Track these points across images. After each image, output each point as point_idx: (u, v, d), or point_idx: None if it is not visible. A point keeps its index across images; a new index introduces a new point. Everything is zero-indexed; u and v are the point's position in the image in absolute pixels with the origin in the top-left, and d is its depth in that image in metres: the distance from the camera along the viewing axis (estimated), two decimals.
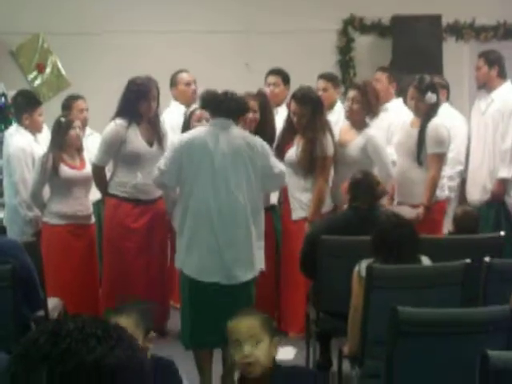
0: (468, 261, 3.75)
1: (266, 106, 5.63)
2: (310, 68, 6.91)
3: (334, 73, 7.19)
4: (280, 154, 5.49)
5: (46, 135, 6.01)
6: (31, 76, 8.08)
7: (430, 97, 5.67)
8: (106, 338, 1.24)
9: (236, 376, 3.08)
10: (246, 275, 4.40)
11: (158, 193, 5.62)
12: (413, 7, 7.84)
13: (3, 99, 7.23)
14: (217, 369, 4.49)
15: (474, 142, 6.63)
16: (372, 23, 8.22)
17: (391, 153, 5.84)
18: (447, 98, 6.80)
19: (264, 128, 5.46)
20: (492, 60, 6.54)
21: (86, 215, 5.73)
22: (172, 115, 6.44)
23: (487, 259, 3.86)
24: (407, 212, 5.24)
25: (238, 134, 4.50)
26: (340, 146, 5.70)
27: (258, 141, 4.54)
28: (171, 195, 5.22)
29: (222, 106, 4.44)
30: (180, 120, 5.90)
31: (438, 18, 7.88)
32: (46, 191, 5.71)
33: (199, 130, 4.61)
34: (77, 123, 5.74)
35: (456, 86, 7.30)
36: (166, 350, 5.26)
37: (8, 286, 3.78)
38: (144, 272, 5.61)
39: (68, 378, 1.20)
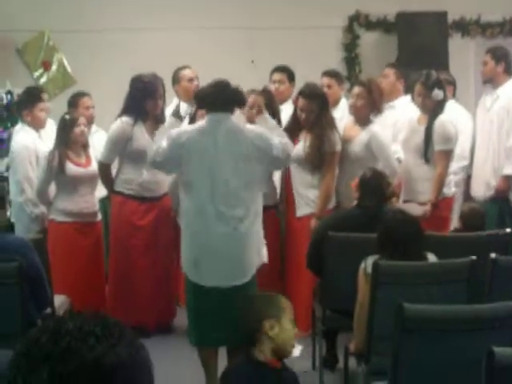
0: (474, 258, 3.75)
1: (271, 104, 5.63)
2: (315, 65, 6.88)
3: (339, 69, 7.17)
4: None
5: (51, 132, 6.02)
6: (37, 73, 8.08)
7: (437, 93, 5.66)
8: (105, 335, 1.23)
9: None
10: (246, 276, 4.33)
11: (164, 190, 5.62)
12: (418, 4, 7.82)
13: (9, 97, 7.24)
14: (222, 365, 4.49)
15: (479, 139, 6.61)
16: (377, 20, 8.20)
17: (397, 150, 5.83)
18: (453, 95, 6.79)
19: None
20: (499, 56, 6.53)
21: (91, 212, 5.74)
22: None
23: (493, 256, 3.86)
24: (414, 209, 5.23)
25: (235, 127, 4.36)
26: (344, 142, 5.69)
27: (255, 131, 4.43)
28: (177, 193, 5.20)
29: (218, 101, 4.33)
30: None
31: (443, 14, 7.85)
32: (52, 188, 5.73)
33: (196, 127, 4.44)
34: (81, 120, 5.74)
35: (462, 82, 7.29)
36: (173, 346, 5.33)
37: (15, 283, 3.78)
38: (150, 269, 5.62)
39: (69, 377, 1.19)
